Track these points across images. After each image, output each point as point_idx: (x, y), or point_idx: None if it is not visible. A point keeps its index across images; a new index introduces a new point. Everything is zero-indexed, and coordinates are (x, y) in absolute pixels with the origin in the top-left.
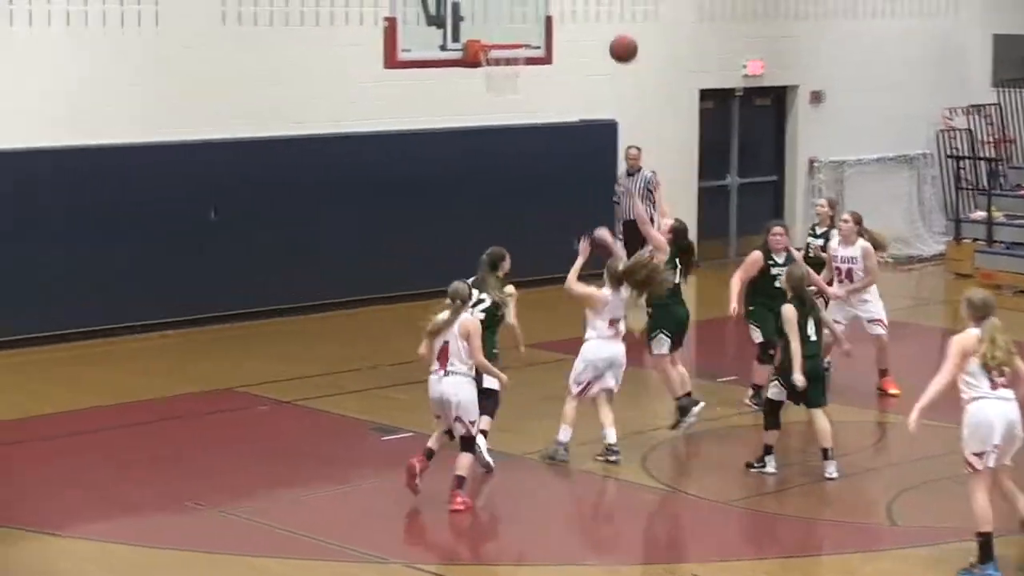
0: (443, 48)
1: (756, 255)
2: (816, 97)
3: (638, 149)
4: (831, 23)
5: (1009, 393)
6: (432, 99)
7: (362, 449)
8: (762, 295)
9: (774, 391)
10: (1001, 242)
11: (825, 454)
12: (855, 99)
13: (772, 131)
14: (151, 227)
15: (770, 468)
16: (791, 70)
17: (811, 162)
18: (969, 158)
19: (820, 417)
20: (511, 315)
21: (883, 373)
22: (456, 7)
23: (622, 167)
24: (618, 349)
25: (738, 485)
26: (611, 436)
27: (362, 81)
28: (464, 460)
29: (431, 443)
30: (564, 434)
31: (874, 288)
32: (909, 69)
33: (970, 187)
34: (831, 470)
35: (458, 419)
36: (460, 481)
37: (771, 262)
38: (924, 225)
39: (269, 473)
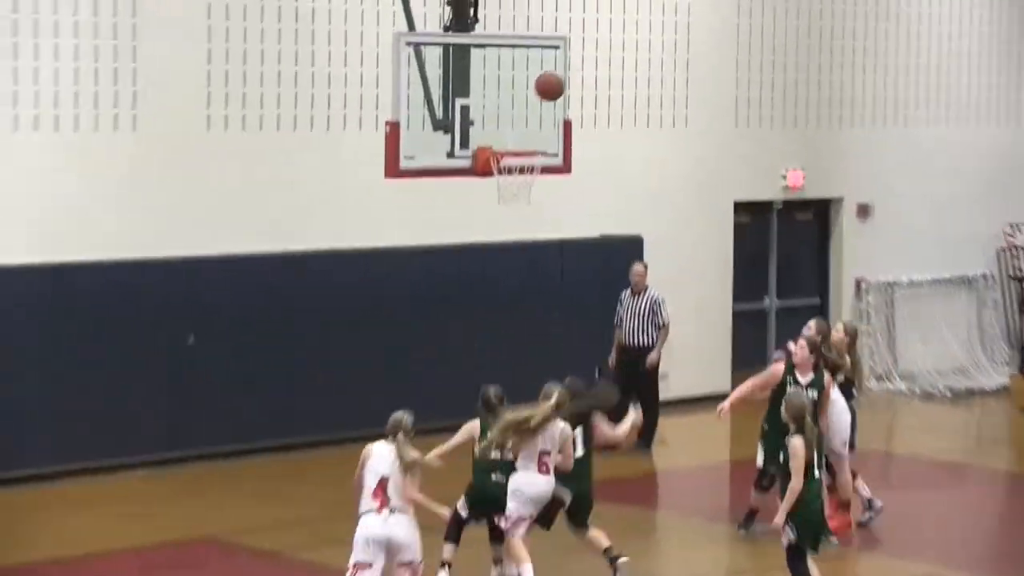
0: (450, 155)
1: (778, 367)
2: (863, 211)
3: (645, 266)
4: (880, 130)
5: None
6: (438, 211)
7: None
8: (776, 415)
9: (785, 539)
10: None
11: None
12: (907, 213)
13: (814, 248)
14: (123, 353)
15: None
16: (835, 181)
17: (858, 283)
18: None
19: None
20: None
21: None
22: (465, 111)
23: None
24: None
25: None
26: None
27: (361, 192)
28: None
29: None
30: None
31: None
32: (966, 181)
33: None
34: None
35: (406, 564)
36: None
37: (791, 378)
38: (985, 354)
39: None
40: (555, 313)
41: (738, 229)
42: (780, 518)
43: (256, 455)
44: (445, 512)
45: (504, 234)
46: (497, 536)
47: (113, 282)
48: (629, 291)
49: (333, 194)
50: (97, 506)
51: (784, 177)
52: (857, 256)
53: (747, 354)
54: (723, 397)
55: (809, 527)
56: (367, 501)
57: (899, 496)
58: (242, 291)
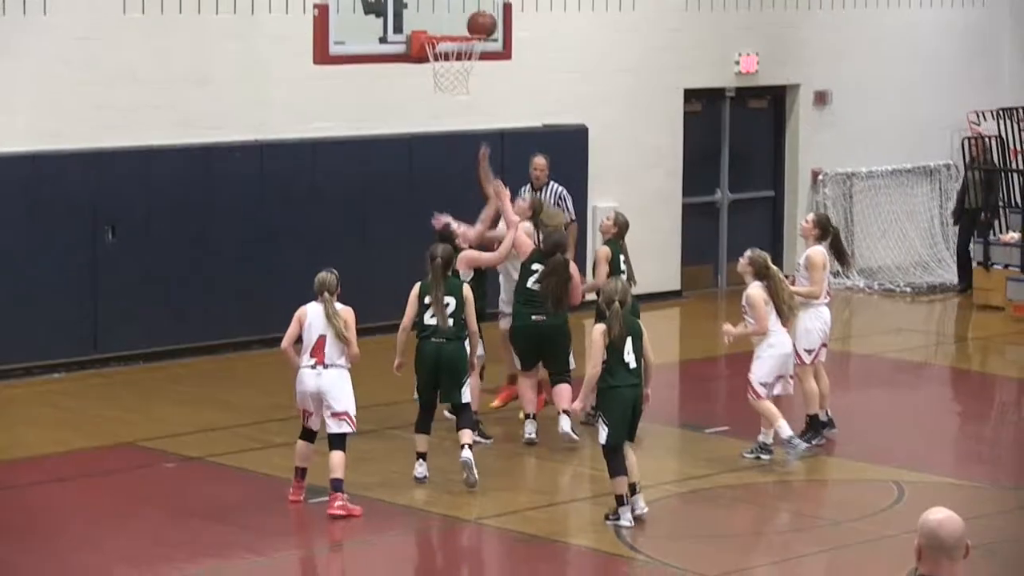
0: (383, 40)
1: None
2: (821, 98)
3: (546, 158)
4: (839, 11)
5: None
6: (370, 100)
7: (286, 514)
8: None
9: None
10: None
11: (633, 489)
12: (866, 101)
13: (769, 138)
14: (36, 252)
15: (624, 520)
16: (791, 66)
17: (815, 174)
18: (1000, 170)
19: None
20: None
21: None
22: None
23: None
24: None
25: (734, 553)
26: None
27: (287, 80)
28: (338, 459)
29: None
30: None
31: (811, 311)
32: (929, 66)
33: (1001, 204)
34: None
35: (335, 414)
36: (338, 483)
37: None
38: (947, 248)
39: (179, 542)
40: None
41: (689, 118)
42: (578, 404)
43: (178, 357)
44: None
45: (441, 124)
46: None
47: (26, 175)
48: (528, 187)
49: (257, 82)
50: (9, 410)
51: (737, 63)
52: (814, 146)
53: (698, 250)
54: (673, 295)
55: (614, 414)
56: (305, 357)
57: (859, 397)
58: (161, 186)
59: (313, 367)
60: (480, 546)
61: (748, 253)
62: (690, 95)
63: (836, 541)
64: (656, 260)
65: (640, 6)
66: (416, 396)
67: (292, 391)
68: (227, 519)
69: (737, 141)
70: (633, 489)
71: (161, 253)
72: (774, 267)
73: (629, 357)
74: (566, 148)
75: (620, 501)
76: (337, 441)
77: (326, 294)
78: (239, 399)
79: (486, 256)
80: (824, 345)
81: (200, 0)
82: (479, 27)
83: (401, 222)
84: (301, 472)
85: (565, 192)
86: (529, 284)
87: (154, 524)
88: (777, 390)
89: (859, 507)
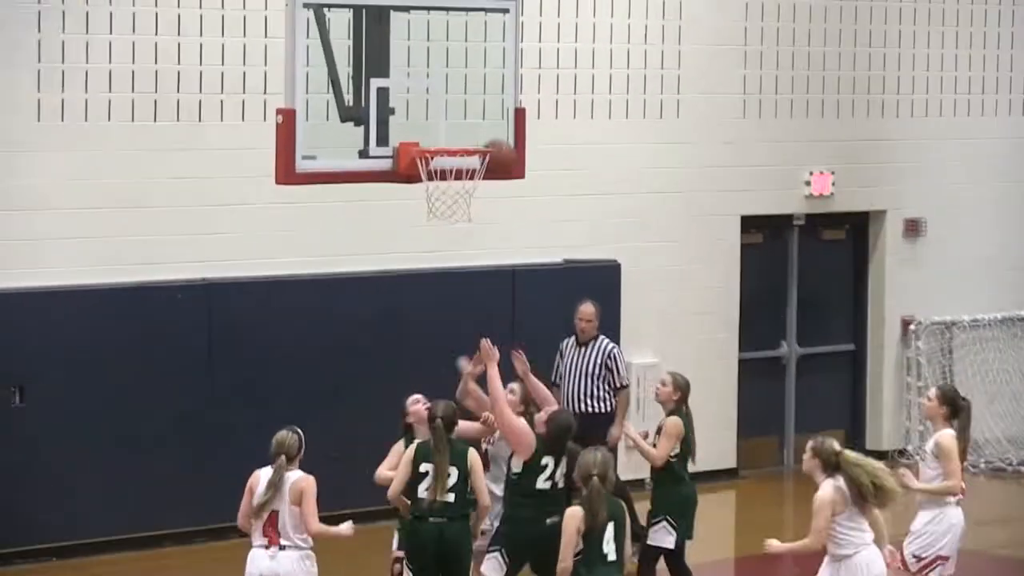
0: (364, 155)
1: None
2: (913, 228)
3: (595, 307)
4: (934, 121)
5: None
6: (346, 229)
7: None
8: None
9: None
10: None
11: None
12: (969, 231)
13: (848, 278)
14: None
15: None
16: (875, 188)
17: (905, 324)
18: None
19: None
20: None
21: None
22: (384, 95)
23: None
24: None
25: None
26: None
27: (241, 204)
28: None
29: None
30: None
31: (938, 512)
32: None
33: None
34: None
35: None
36: None
37: None
38: None
39: None
40: (503, 363)
41: (747, 252)
42: None
43: (104, 552)
44: (344, 528)
45: (436, 260)
46: None
47: None
48: (573, 340)
49: (203, 207)
50: None
51: (808, 183)
52: (904, 288)
53: (759, 418)
54: (727, 473)
55: None
56: (256, 535)
57: None
58: (80, 336)
59: (266, 547)
60: None
61: (811, 443)
62: (749, 224)
63: None
64: (706, 430)
65: (687, 112)
66: None
67: None
68: None
69: (808, 281)
70: None
71: (80, 420)
72: (849, 454)
73: (608, 547)
74: (593, 289)
75: None
76: None
77: (282, 458)
78: None
79: (472, 426)
80: (945, 558)
81: (133, 103)
82: (498, 163)
83: (383, 382)
84: None
85: (616, 350)
86: (540, 484)
87: None
88: None
89: None
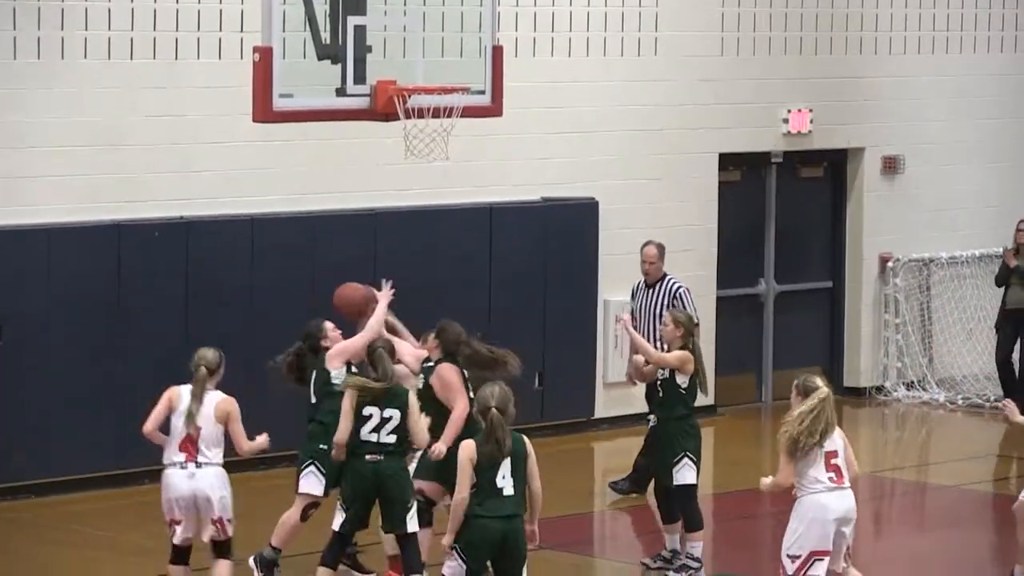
0: (341, 93)
1: None
2: (891, 165)
3: (659, 247)
4: (912, 59)
5: None
6: (323, 167)
7: None
8: None
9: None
10: None
11: None
12: (947, 168)
13: (826, 215)
14: None
15: None
16: (853, 126)
17: (883, 261)
18: None
19: None
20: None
21: None
22: (361, 32)
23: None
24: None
25: None
26: None
27: (219, 142)
28: (224, 569)
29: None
30: None
31: None
32: None
33: None
34: None
35: (215, 522)
36: None
37: None
38: None
39: None
40: (480, 302)
41: (724, 190)
42: (446, 539)
43: (80, 489)
44: (262, 441)
45: (414, 198)
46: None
47: None
48: (642, 282)
49: (181, 145)
50: None
51: (786, 121)
52: (882, 225)
53: (736, 355)
54: (705, 410)
55: (474, 550)
56: (172, 452)
57: (934, 539)
58: (60, 274)
59: (183, 466)
60: None
61: (796, 381)
62: (727, 161)
63: None
64: None
65: (665, 50)
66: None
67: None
68: None
69: (786, 219)
70: None
71: (57, 358)
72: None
73: (504, 482)
74: (570, 227)
75: None
76: (222, 549)
77: (202, 370)
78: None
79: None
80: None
81: (110, 42)
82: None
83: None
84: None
85: (684, 289)
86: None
87: None
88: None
89: None
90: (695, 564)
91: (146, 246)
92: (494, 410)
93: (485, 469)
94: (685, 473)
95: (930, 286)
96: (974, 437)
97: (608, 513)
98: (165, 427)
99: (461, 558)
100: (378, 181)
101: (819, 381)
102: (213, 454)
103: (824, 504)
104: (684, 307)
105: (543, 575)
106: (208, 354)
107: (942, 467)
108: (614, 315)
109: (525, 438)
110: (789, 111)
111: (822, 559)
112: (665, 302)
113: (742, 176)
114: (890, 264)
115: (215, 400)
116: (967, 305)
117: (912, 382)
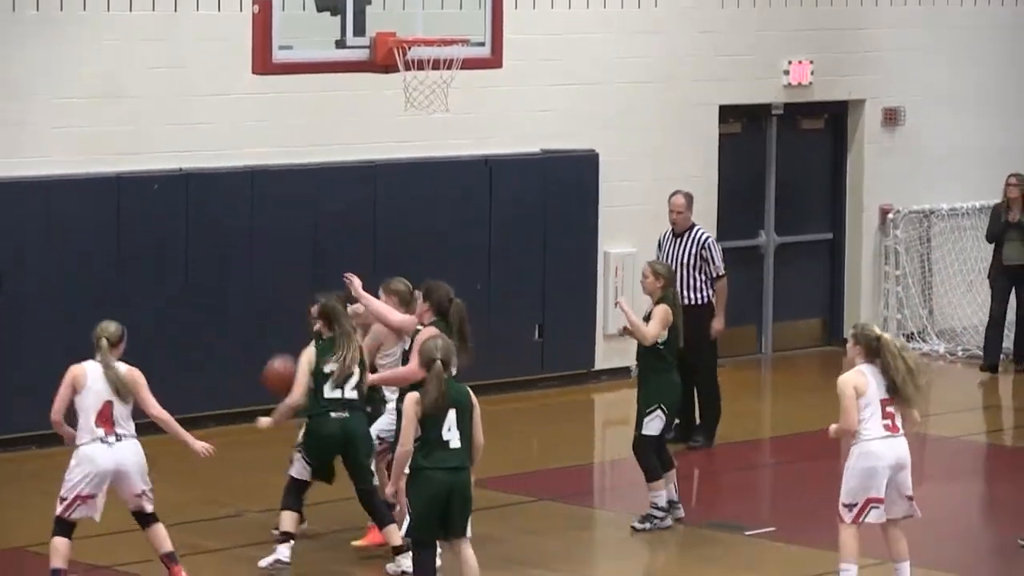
0: (340, 45)
1: None
2: (891, 117)
3: (685, 197)
4: (913, 10)
5: None
6: (323, 119)
7: None
8: None
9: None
10: None
11: None
12: (948, 120)
13: (826, 167)
14: None
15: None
16: (854, 77)
17: (884, 212)
18: None
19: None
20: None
21: None
22: None
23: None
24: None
25: None
26: None
27: (219, 94)
28: (163, 530)
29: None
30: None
31: None
32: None
33: None
34: None
35: (138, 494)
36: (173, 555)
37: None
38: None
39: None
40: (479, 254)
41: (725, 142)
42: (389, 489)
43: None
44: (198, 445)
45: (413, 150)
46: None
47: None
48: (669, 231)
49: (180, 97)
50: None
51: (786, 72)
52: (882, 177)
53: (736, 307)
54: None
55: (421, 502)
56: (90, 429)
57: (933, 491)
58: (59, 226)
59: (103, 439)
60: None
61: (852, 330)
62: (727, 113)
63: None
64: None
65: (665, 2)
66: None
67: (225, 483)
68: None
69: (786, 171)
70: None
71: (57, 310)
72: (886, 337)
73: (450, 434)
74: (570, 179)
75: None
76: (150, 516)
77: (104, 342)
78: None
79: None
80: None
81: None
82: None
83: (360, 271)
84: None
85: (711, 239)
86: None
87: None
88: (871, 518)
89: None
90: (659, 513)
91: (146, 198)
92: (438, 362)
93: (430, 421)
94: (653, 424)
95: (930, 238)
96: (974, 389)
97: (608, 464)
98: (70, 419)
99: (409, 510)
100: (378, 133)
101: (878, 330)
102: (130, 426)
103: (876, 452)
104: (712, 257)
105: (543, 526)
106: (111, 327)
107: (942, 418)
108: (613, 301)
109: (470, 390)
110: (790, 63)
111: (878, 507)
112: (692, 251)
113: (742, 128)
114: (890, 216)
115: (122, 371)
116: (967, 257)
117: (912, 334)
